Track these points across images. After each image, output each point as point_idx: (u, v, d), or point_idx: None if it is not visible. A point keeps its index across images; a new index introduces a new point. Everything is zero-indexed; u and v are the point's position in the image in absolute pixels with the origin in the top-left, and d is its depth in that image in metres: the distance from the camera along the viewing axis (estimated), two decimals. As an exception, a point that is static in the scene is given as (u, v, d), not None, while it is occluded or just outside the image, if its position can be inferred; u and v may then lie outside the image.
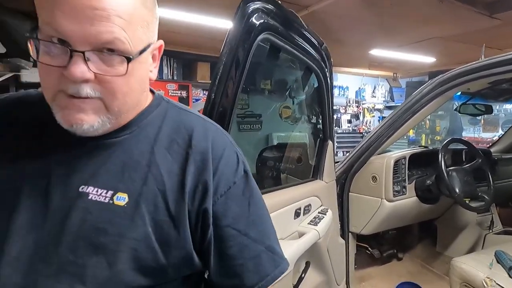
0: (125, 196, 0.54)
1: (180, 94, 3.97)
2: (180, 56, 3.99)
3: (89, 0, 0.45)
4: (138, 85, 0.55)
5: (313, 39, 1.26)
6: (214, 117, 0.89)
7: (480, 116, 5.43)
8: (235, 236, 0.59)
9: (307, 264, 1.34)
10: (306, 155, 1.74)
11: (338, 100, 5.56)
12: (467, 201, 1.78)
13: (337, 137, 4.97)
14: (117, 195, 0.54)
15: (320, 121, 1.61)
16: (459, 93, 1.97)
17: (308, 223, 1.34)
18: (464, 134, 5.84)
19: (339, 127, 5.60)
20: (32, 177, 0.54)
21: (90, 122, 0.51)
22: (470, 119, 5.71)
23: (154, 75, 0.59)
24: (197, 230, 0.57)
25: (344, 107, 5.73)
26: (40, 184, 0.53)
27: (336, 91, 5.54)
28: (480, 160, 1.93)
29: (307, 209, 1.39)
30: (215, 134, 0.62)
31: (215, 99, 0.89)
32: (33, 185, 0.53)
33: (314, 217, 1.39)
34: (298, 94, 2.14)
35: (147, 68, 0.57)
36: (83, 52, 0.46)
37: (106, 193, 0.53)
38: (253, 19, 0.90)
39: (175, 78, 3.99)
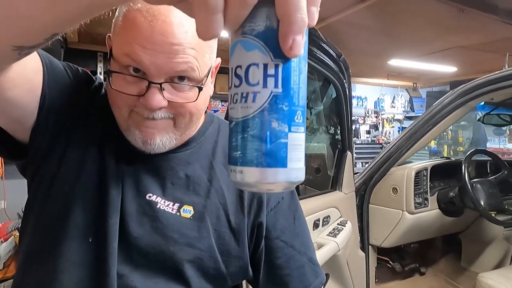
0: (191, 208, 0.57)
1: (199, 105, 4.03)
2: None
3: (167, 37, 0.47)
4: (203, 105, 0.58)
5: (331, 51, 1.27)
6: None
7: (506, 127, 5.25)
8: (283, 248, 0.63)
9: (327, 276, 1.32)
10: (325, 166, 1.73)
11: (356, 110, 5.51)
12: (493, 214, 1.72)
13: (355, 148, 4.91)
14: (183, 207, 0.57)
15: (339, 132, 1.61)
16: (482, 103, 1.93)
17: (327, 235, 1.33)
18: (488, 145, 5.65)
19: (358, 138, 5.53)
20: (114, 174, 0.56)
21: (161, 138, 0.54)
22: (495, 129, 5.53)
23: (212, 90, 0.62)
24: (252, 242, 0.62)
25: (362, 118, 5.66)
26: (118, 183, 0.56)
27: (354, 102, 5.49)
28: (506, 172, 1.87)
29: (326, 220, 1.38)
30: None
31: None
32: (114, 183, 0.56)
33: (333, 229, 1.37)
34: (316, 105, 2.14)
35: (209, 88, 0.60)
36: (160, 84, 0.50)
37: (173, 205, 0.57)
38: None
39: (194, 89, 4.07)
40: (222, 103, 4.33)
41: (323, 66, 1.23)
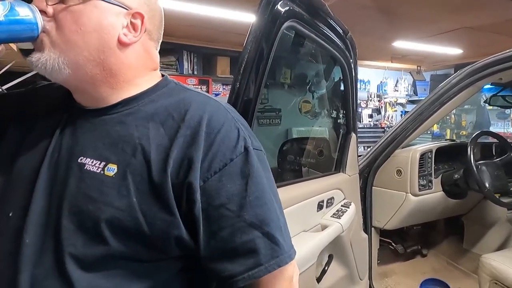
0: (115, 167, 0.56)
1: (200, 89, 3.99)
2: (200, 50, 4.01)
3: None
4: (92, 30, 0.57)
5: (338, 28, 1.23)
6: (239, 107, 0.89)
7: (510, 110, 5.20)
8: (228, 218, 0.55)
9: (330, 257, 1.32)
10: (328, 149, 1.72)
11: (359, 94, 5.44)
12: (497, 196, 1.71)
13: (358, 131, 4.88)
14: (108, 166, 0.56)
15: (342, 115, 1.58)
16: (488, 85, 1.89)
17: (331, 216, 1.32)
18: (491, 129, 5.61)
19: (360, 122, 5.50)
20: (51, 150, 0.60)
21: (38, 58, 0.56)
22: (498, 113, 5.48)
23: (128, 39, 0.60)
24: (182, 205, 0.55)
25: (365, 101, 5.61)
26: (54, 157, 0.59)
27: (357, 85, 5.43)
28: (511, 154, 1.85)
29: (330, 202, 1.37)
30: (214, 109, 0.60)
31: (240, 89, 0.88)
32: (50, 158, 0.59)
33: (337, 210, 1.37)
34: (319, 88, 2.11)
35: (113, 21, 0.58)
36: None
37: (100, 164, 0.56)
38: (278, 6, 0.88)
39: (195, 72, 4.02)
40: (224, 86, 4.28)
41: (329, 44, 1.20)
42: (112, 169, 0.56)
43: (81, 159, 0.57)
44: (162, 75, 0.69)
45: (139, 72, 0.63)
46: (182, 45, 3.84)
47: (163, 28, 0.69)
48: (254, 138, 0.62)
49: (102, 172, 0.56)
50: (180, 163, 0.55)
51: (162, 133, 0.57)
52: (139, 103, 0.61)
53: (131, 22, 0.60)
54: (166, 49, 3.77)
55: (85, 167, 0.56)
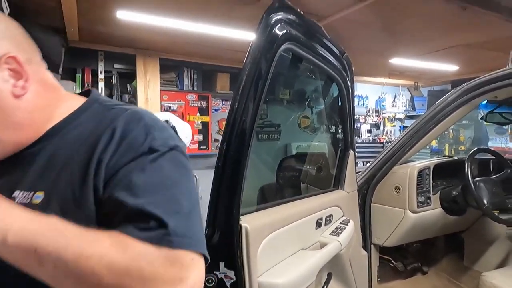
0: (42, 194, 0.56)
1: (200, 105, 4.03)
2: (200, 67, 4.06)
3: None
4: (7, 112, 0.58)
5: (334, 48, 1.26)
6: (238, 125, 0.90)
7: (507, 125, 5.23)
8: (123, 205, 0.54)
9: (329, 276, 1.31)
10: (327, 165, 1.73)
11: (357, 109, 5.49)
12: (496, 213, 1.71)
13: (356, 147, 4.89)
14: (36, 194, 0.56)
15: (340, 131, 1.60)
16: (485, 102, 1.92)
17: (329, 234, 1.32)
18: (490, 144, 5.63)
19: (359, 137, 5.52)
20: None
21: None
22: (496, 128, 5.51)
23: (21, 90, 0.59)
24: (96, 209, 0.56)
25: (363, 117, 5.65)
26: None
27: (355, 101, 5.48)
28: (509, 171, 1.85)
29: (329, 219, 1.37)
30: (127, 120, 0.61)
31: (239, 108, 0.90)
32: None
33: (336, 228, 1.37)
34: (318, 103, 2.14)
35: (5, 91, 0.57)
36: None
37: (29, 194, 0.56)
38: (276, 30, 0.91)
39: (195, 88, 4.06)
40: (223, 102, 4.32)
41: (326, 64, 1.22)
42: (39, 197, 0.56)
43: (14, 194, 0.57)
44: (89, 92, 0.69)
45: (50, 106, 0.64)
46: (182, 62, 3.89)
47: (30, 38, 0.65)
48: (168, 140, 0.61)
49: (30, 201, 0.56)
50: (95, 172, 0.56)
51: (84, 152, 0.58)
52: (63, 131, 0.62)
53: (9, 70, 0.58)
54: (167, 66, 3.82)
55: (16, 200, 0.56)
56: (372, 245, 1.85)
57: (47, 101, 0.64)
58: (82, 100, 0.67)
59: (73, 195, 0.56)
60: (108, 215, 0.55)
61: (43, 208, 0.54)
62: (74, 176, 0.56)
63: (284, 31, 0.93)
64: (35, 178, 0.58)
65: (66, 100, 0.67)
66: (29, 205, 0.55)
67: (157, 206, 0.54)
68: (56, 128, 0.63)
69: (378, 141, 5.57)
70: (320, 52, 1.17)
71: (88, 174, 0.56)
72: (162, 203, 0.55)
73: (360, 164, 4.70)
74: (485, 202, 1.69)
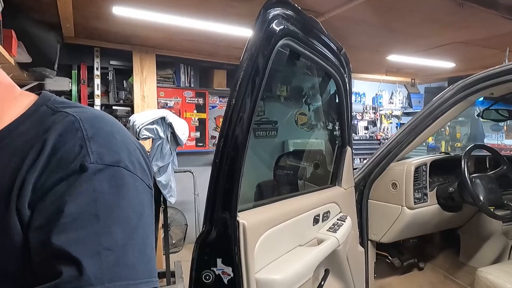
0: None
1: (197, 101, 4.02)
2: (197, 64, 4.05)
3: None
4: None
5: (332, 44, 1.26)
6: (235, 122, 0.90)
7: (503, 122, 5.26)
8: (41, 243, 0.47)
9: (327, 272, 1.32)
10: (324, 162, 1.73)
11: (355, 106, 5.51)
12: (492, 209, 1.72)
13: (353, 144, 4.90)
14: None
15: (337, 128, 1.60)
16: (481, 98, 1.92)
17: (327, 230, 1.32)
18: (486, 141, 5.67)
19: (356, 134, 5.53)
20: None
21: None
22: (492, 125, 5.55)
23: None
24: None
25: (361, 114, 5.66)
26: None
27: (352, 98, 5.48)
28: (505, 167, 1.87)
29: (326, 215, 1.38)
30: (64, 129, 0.52)
31: (236, 104, 0.90)
32: None
33: (333, 224, 1.37)
34: (315, 100, 2.14)
35: None
36: None
37: None
38: (274, 25, 0.91)
39: (192, 85, 4.05)
40: (220, 99, 4.31)
41: (323, 60, 1.22)
42: None
43: None
44: (40, 93, 0.60)
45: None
46: (179, 59, 3.87)
47: None
48: (108, 153, 0.53)
49: None
50: (18, 194, 0.48)
51: (9, 169, 0.50)
52: (4, 141, 0.53)
53: None
54: (164, 62, 3.80)
55: None
56: (369, 241, 1.86)
57: None
58: (27, 99, 0.58)
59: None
60: (31, 248, 0.47)
61: None
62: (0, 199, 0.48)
63: (282, 27, 0.92)
64: None
65: (18, 101, 0.57)
66: None
67: (79, 245, 0.46)
68: None
69: (375, 138, 5.59)
70: (318, 48, 1.16)
71: (11, 197, 0.48)
72: (87, 240, 0.47)
73: (357, 161, 4.71)
74: (481, 198, 1.70)
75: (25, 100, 0.58)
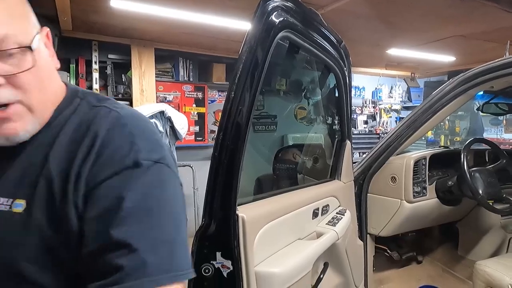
0: (23, 202, 0.52)
1: (196, 95, 4.00)
2: (196, 57, 4.02)
3: None
4: (47, 77, 0.55)
5: (332, 37, 1.25)
6: (234, 116, 0.89)
7: (502, 117, 5.26)
8: (97, 233, 0.50)
9: (326, 265, 1.32)
10: (323, 156, 1.72)
11: (354, 100, 5.50)
12: (491, 203, 1.73)
13: (353, 138, 4.89)
14: (15, 202, 0.52)
15: (337, 122, 1.60)
16: (481, 92, 1.92)
17: (326, 224, 1.32)
18: (485, 135, 5.67)
19: (355, 128, 5.53)
20: None
21: (23, 128, 0.51)
22: (492, 119, 5.54)
23: (56, 63, 0.59)
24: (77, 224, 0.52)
25: (360, 108, 5.65)
26: None
27: (352, 92, 5.47)
28: (504, 161, 1.87)
29: (325, 209, 1.38)
30: (110, 125, 0.56)
31: (235, 98, 0.89)
32: None
33: (332, 218, 1.37)
34: (314, 94, 2.13)
35: (47, 57, 0.57)
36: None
37: (8, 201, 0.52)
38: (273, 17, 0.90)
39: (191, 79, 4.02)
40: (219, 93, 4.29)
41: (323, 52, 1.21)
42: (19, 205, 0.51)
43: None
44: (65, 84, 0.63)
45: (55, 94, 0.59)
46: (178, 52, 3.85)
47: None
48: (154, 151, 0.56)
49: (9, 209, 0.51)
50: (74, 186, 0.52)
51: (65, 157, 0.53)
52: (48, 129, 0.56)
53: (45, 43, 0.57)
54: (162, 56, 3.78)
55: None
56: (368, 235, 1.87)
57: (56, 87, 0.59)
58: (63, 87, 0.61)
59: (54, 209, 0.51)
60: (85, 237, 0.51)
61: (24, 218, 0.51)
62: (55, 187, 0.52)
63: (281, 19, 0.91)
64: (13, 183, 0.53)
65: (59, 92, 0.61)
66: (9, 213, 0.51)
67: (139, 237, 0.50)
68: (46, 125, 0.57)
69: (375, 132, 5.59)
70: (318, 40, 1.15)
71: (68, 188, 0.51)
72: (145, 233, 0.50)
73: (356, 155, 4.71)
74: (480, 192, 1.70)
75: (61, 89, 0.61)
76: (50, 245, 0.51)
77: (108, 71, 3.56)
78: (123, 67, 3.63)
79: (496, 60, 1.51)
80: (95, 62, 3.45)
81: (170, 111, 2.98)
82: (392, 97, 5.93)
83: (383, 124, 5.79)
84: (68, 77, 3.35)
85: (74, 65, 3.39)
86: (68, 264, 0.52)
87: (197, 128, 4.02)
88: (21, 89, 0.50)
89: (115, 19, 2.84)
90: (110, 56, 3.56)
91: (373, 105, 5.77)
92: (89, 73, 3.44)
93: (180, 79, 3.94)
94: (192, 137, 3.99)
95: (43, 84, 0.53)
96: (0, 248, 0.51)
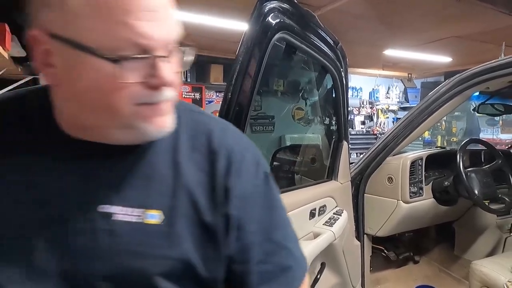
0: (159, 213, 0.49)
1: (193, 96, 4.01)
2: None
3: (148, 2, 0.42)
4: None
5: (328, 38, 1.26)
6: (231, 116, 0.90)
7: (499, 117, 5.29)
8: (260, 242, 0.55)
9: (323, 265, 1.33)
10: (320, 156, 1.73)
11: (351, 101, 5.52)
12: (486, 203, 1.74)
13: (350, 138, 4.91)
14: (148, 212, 0.48)
15: (334, 122, 1.60)
16: (477, 93, 1.93)
17: (323, 224, 1.33)
18: (481, 135, 5.70)
19: (353, 129, 5.55)
20: (40, 198, 0.47)
21: (170, 123, 0.49)
22: (488, 120, 5.58)
23: None
24: (227, 237, 0.54)
25: (357, 108, 5.68)
26: (48, 208, 0.47)
27: (349, 92, 5.47)
28: (500, 161, 1.88)
29: (322, 209, 1.38)
30: (234, 135, 0.59)
31: (232, 98, 0.90)
32: (43, 210, 0.47)
33: (330, 218, 1.37)
34: (312, 95, 2.13)
35: None
36: (166, 56, 0.44)
37: (133, 211, 0.48)
38: (270, 19, 0.90)
39: (188, 80, 4.03)
40: (217, 94, 4.30)
41: (320, 54, 1.22)
42: (155, 216, 0.48)
43: (103, 208, 0.47)
44: None
45: None
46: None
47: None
48: (264, 161, 0.61)
49: (141, 221, 0.48)
50: (222, 196, 0.53)
51: (194, 168, 0.53)
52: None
53: None
54: (160, 57, 3.78)
55: (114, 218, 0.47)
56: (365, 235, 1.87)
57: None
58: None
59: (199, 219, 0.51)
60: (246, 246, 0.55)
61: (165, 230, 0.49)
62: (198, 199, 0.51)
63: (278, 20, 0.92)
64: (138, 192, 0.49)
65: None
66: (140, 225, 0.48)
67: (289, 239, 0.59)
68: None
69: (372, 132, 5.61)
70: (314, 42, 1.16)
71: (217, 200, 0.52)
72: (289, 234, 0.60)
73: (353, 156, 4.73)
74: (476, 192, 1.71)
75: None
76: (189, 259, 0.50)
77: (106, 71, 3.55)
78: (121, 68, 3.62)
79: (492, 61, 1.52)
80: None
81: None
82: (389, 97, 5.96)
83: (380, 125, 5.82)
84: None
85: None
86: (202, 281, 0.52)
87: (194, 129, 4.02)
88: (174, 87, 0.49)
89: (112, 19, 2.84)
90: (107, 56, 3.56)
91: (370, 105, 5.79)
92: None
93: (177, 80, 3.94)
94: (190, 137, 3.99)
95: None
96: (131, 260, 0.47)
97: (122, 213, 0.48)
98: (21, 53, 2.44)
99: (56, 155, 0.49)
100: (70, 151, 0.49)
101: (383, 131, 5.53)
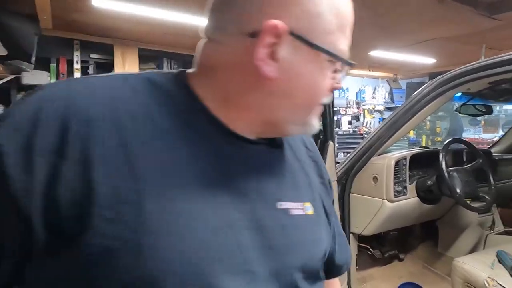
0: (309, 205, 0.55)
1: (180, 96, 3.98)
2: (181, 58, 4.00)
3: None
4: None
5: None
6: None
7: (481, 117, 5.42)
8: (336, 223, 0.67)
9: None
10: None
11: (338, 101, 5.57)
12: (468, 202, 1.78)
13: (337, 138, 4.96)
14: (305, 205, 0.54)
15: (320, 122, 1.62)
16: (459, 94, 1.98)
17: (309, 224, 1.34)
18: (464, 135, 5.84)
19: (339, 129, 5.60)
20: (234, 193, 0.46)
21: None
22: (471, 120, 5.71)
23: None
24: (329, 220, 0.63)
25: (344, 109, 5.72)
26: (238, 203, 0.46)
27: (336, 93, 5.53)
28: (481, 160, 1.93)
29: (308, 209, 1.39)
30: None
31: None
32: (238, 205, 0.46)
33: (316, 218, 1.39)
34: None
35: None
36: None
37: (298, 205, 0.52)
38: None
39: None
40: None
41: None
42: (309, 208, 0.54)
43: (280, 204, 0.49)
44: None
45: None
46: (162, 52, 3.82)
47: None
48: None
49: (304, 213, 0.53)
50: (329, 189, 0.65)
51: (308, 163, 0.61)
52: None
53: None
54: (146, 56, 3.74)
55: (291, 212, 0.50)
56: (351, 234, 1.90)
57: None
58: None
59: (324, 208, 0.60)
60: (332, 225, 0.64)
61: (317, 219, 0.56)
62: (319, 188, 0.60)
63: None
64: (294, 186, 0.54)
65: None
66: (305, 217, 0.53)
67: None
68: None
69: (358, 132, 5.67)
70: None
71: (328, 192, 0.63)
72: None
73: (340, 155, 4.77)
74: (458, 191, 1.75)
75: None
76: (329, 245, 0.60)
77: (90, 70, 3.50)
78: (106, 67, 3.57)
79: (472, 63, 1.56)
80: (77, 62, 3.39)
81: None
82: (375, 98, 6.03)
83: (366, 125, 5.89)
84: (49, 77, 3.28)
85: (55, 65, 3.32)
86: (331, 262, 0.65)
87: (182, 129, 3.99)
88: None
89: (96, 18, 2.80)
90: (92, 55, 3.50)
91: (357, 105, 5.85)
92: (70, 72, 3.37)
93: (164, 79, 3.90)
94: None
95: None
96: (315, 248, 0.55)
97: (292, 207, 0.51)
98: (2, 51, 2.38)
99: (221, 147, 0.47)
100: (230, 144, 0.48)
101: (370, 131, 5.60)
